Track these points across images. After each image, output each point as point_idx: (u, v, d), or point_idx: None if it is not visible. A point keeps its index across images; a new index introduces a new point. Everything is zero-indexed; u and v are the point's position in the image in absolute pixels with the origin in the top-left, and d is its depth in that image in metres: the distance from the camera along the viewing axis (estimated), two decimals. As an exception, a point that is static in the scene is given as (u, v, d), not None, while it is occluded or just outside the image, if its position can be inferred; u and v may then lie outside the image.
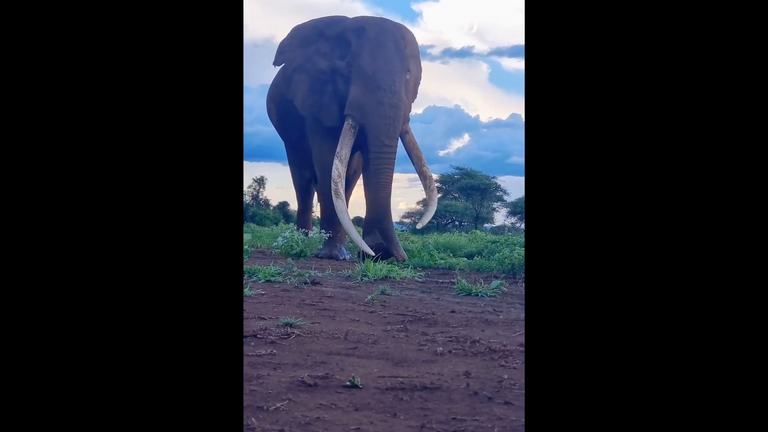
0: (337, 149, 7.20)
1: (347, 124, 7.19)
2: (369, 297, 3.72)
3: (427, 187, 7.81)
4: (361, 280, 4.92)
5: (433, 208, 7.88)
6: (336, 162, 7.16)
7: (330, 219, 7.72)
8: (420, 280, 5.16)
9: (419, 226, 7.89)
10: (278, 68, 8.41)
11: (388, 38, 7.25)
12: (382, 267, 5.26)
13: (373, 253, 6.71)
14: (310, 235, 7.43)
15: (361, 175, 7.90)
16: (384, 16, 8.18)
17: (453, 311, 3.36)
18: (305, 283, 4.47)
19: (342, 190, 7.12)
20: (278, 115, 8.66)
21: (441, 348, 2.35)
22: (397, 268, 5.47)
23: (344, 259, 7.54)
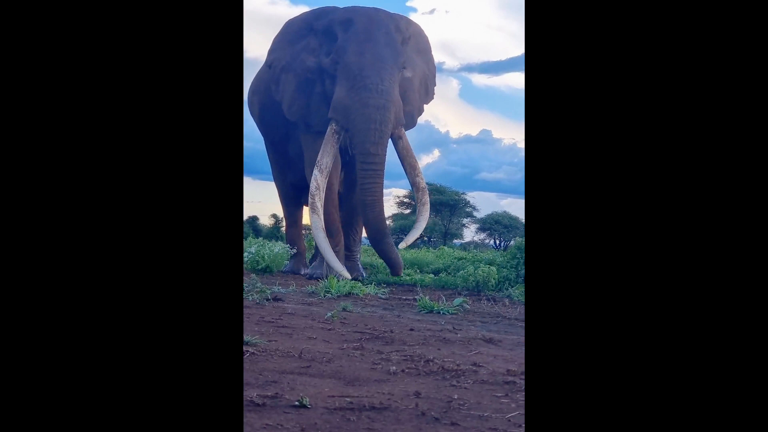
0: (318, 157, 6.31)
1: (330, 129, 6.34)
2: (329, 314, 3.72)
3: (419, 200, 6.84)
4: (324, 296, 4.91)
5: (422, 225, 6.78)
6: (315, 172, 6.26)
7: (329, 231, 6.66)
8: (383, 296, 5.16)
9: (403, 245, 6.78)
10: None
11: (378, 30, 6.31)
12: (345, 283, 5.25)
13: (349, 276, 6.01)
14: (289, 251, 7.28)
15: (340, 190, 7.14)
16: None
17: (412, 329, 3.37)
18: (267, 299, 4.44)
19: (320, 205, 6.22)
20: (261, 111, 7.75)
21: (394, 367, 2.36)
22: (360, 284, 5.46)
23: (359, 278, 6.57)
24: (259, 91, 7.69)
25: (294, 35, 6.93)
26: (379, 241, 6.35)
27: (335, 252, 6.69)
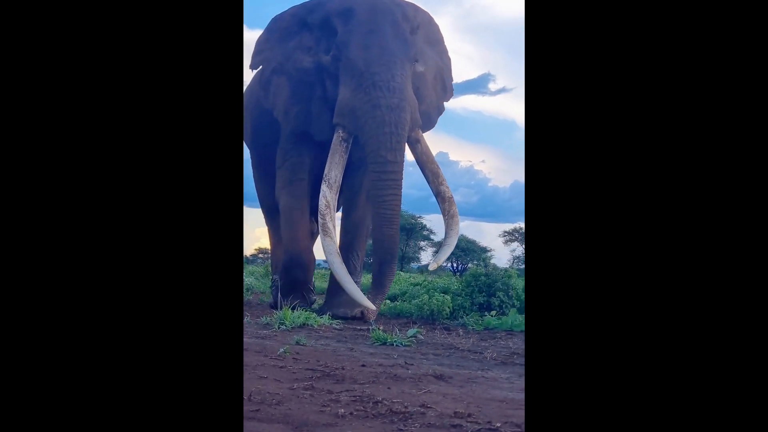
0: (325, 170, 5.49)
1: (337, 137, 5.50)
2: (281, 349, 3.70)
3: (445, 212, 5.81)
4: (279, 328, 4.89)
5: (453, 241, 5.82)
6: (323, 188, 5.41)
7: (299, 263, 6.22)
8: (338, 327, 5.16)
9: (433, 266, 5.97)
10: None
11: (384, 20, 5.48)
12: (299, 314, 5.24)
13: (374, 308, 5.40)
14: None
15: (344, 201, 6.34)
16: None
17: (363, 365, 3.38)
18: (219, 332, 4.39)
19: (331, 226, 5.37)
20: (253, 128, 6.85)
21: (343, 410, 2.37)
22: (315, 315, 5.45)
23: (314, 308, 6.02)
24: (250, 104, 6.83)
25: (283, 32, 6.06)
26: (388, 263, 5.52)
27: (306, 285, 6.32)
